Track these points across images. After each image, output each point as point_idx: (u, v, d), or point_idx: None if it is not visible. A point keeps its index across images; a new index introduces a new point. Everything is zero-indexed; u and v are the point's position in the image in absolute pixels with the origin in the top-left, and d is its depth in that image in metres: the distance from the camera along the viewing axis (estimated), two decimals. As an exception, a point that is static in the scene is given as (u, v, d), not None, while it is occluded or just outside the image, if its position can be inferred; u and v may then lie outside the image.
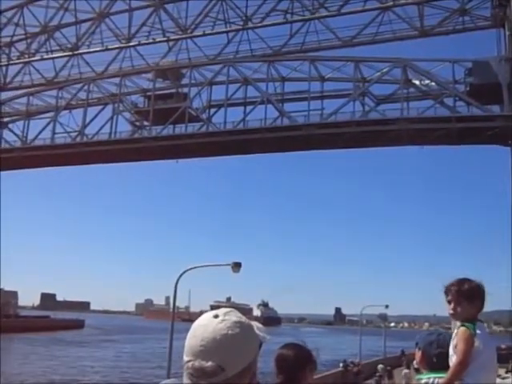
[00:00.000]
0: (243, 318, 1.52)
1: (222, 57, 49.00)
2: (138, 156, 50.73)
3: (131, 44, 51.42)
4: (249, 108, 47.08)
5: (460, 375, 2.84)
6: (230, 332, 1.43)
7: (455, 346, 2.91)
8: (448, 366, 2.94)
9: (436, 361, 3.04)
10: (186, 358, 1.45)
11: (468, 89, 40.67)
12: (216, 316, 1.48)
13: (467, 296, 2.99)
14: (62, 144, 50.53)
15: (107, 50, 52.45)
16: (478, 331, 2.90)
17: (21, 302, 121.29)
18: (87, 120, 51.04)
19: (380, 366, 30.33)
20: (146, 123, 49.85)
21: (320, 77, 45.93)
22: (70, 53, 53.36)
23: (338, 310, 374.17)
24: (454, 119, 38.84)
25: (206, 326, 1.45)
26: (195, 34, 49.78)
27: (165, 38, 50.58)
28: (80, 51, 53.29)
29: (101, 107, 51.95)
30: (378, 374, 29.12)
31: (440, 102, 40.98)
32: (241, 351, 1.44)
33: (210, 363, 1.40)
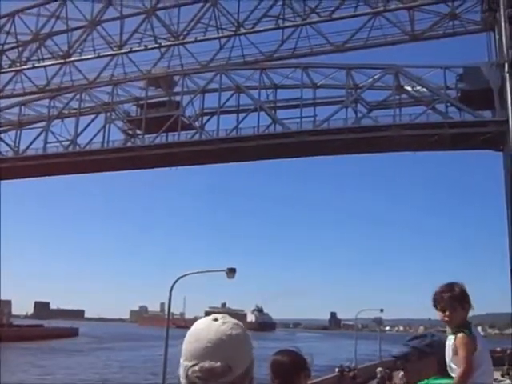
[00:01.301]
0: (239, 322, 1.55)
1: (215, 63, 49.06)
2: (131, 165, 50.60)
3: (123, 51, 51.36)
4: (241, 115, 47.13)
5: (467, 381, 2.80)
6: (233, 332, 1.46)
7: (455, 353, 2.88)
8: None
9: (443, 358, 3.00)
10: (188, 363, 1.44)
11: (459, 94, 40.86)
12: (215, 319, 1.51)
13: (460, 300, 2.98)
14: (54, 153, 50.29)
15: (99, 57, 52.36)
16: (475, 334, 2.89)
17: (14, 311, 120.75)
18: (79, 129, 50.81)
19: (379, 369, 30.68)
20: (138, 132, 49.75)
21: (312, 84, 46.00)
22: (62, 60, 53.21)
23: (333, 314, 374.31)
24: (446, 125, 38.99)
25: (208, 329, 1.47)
26: (187, 40, 49.79)
27: (157, 45, 50.57)
28: (72, 59, 53.15)
29: (93, 116, 51.86)
30: (379, 376, 29.53)
31: (432, 107, 41.19)
32: (244, 351, 1.47)
33: (219, 363, 1.41)
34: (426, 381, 3.02)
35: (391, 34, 44.45)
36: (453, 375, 2.89)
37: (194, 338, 1.46)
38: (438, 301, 3.01)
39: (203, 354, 1.42)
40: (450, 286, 3.00)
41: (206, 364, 1.41)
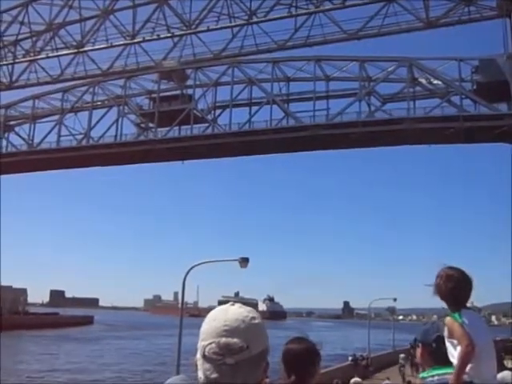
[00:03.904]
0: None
1: (227, 52, 48.91)
2: (143, 158, 50.97)
3: (136, 40, 51.42)
4: (254, 109, 47.23)
5: (470, 359, 2.76)
6: (250, 315, 1.51)
7: (449, 337, 2.86)
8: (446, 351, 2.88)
9: (436, 346, 2.97)
10: (205, 342, 1.47)
11: (475, 87, 40.44)
12: (233, 304, 1.56)
13: (457, 285, 2.95)
14: (67, 147, 50.83)
15: (112, 46, 52.44)
16: (464, 319, 2.84)
17: (30, 299, 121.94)
18: (93, 122, 51.35)
19: (402, 356, 31.54)
20: (151, 125, 50.00)
21: (325, 76, 45.82)
22: (75, 50, 53.40)
23: (346, 303, 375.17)
24: (461, 118, 38.65)
25: (226, 312, 1.51)
26: (200, 29, 49.65)
27: (169, 34, 50.50)
28: (85, 48, 53.33)
29: (106, 109, 52.23)
30: (402, 363, 30.48)
31: (447, 100, 40.80)
32: (261, 332, 1.51)
33: (235, 340, 1.44)
34: (423, 373, 3.02)
35: (405, 21, 43.90)
36: (452, 360, 2.86)
37: (212, 319, 1.50)
38: (437, 289, 3.00)
39: (220, 332, 1.46)
40: (448, 272, 2.98)
41: (223, 339, 1.44)
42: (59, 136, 51.70)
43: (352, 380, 17.86)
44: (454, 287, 2.91)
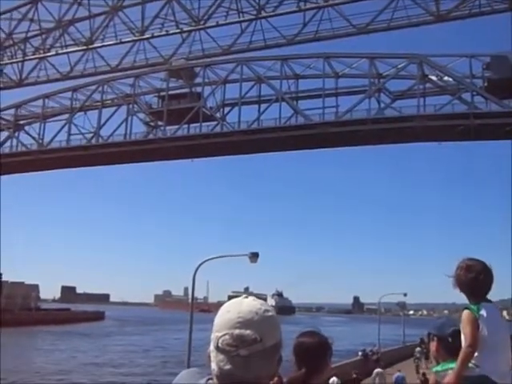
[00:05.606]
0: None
1: (236, 47, 48.85)
2: (153, 156, 51.26)
3: (145, 37, 51.45)
4: (263, 106, 47.33)
5: (470, 358, 2.74)
6: (263, 308, 1.52)
7: (463, 329, 2.84)
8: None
9: (452, 340, 2.96)
10: (219, 334, 1.48)
11: (486, 84, 40.15)
12: (246, 297, 1.57)
13: (476, 278, 2.92)
14: (77, 146, 51.18)
15: (121, 43, 52.47)
16: (482, 312, 2.81)
17: (42, 295, 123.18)
18: (102, 121, 51.68)
19: (418, 349, 32.29)
20: (160, 123, 50.17)
21: (334, 73, 45.68)
22: (85, 47, 53.52)
23: (356, 298, 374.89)
24: (472, 115, 38.39)
25: (239, 304, 1.53)
26: (208, 24, 49.59)
27: (178, 30, 50.48)
28: (94, 45, 53.42)
29: (115, 108, 52.44)
30: (418, 356, 31.04)
31: (458, 97, 40.55)
32: (274, 325, 1.52)
33: (249, 331, 1.45)
34: (437, 366, 3.00)
35: (415, 14, 43.52)
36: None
37: (226, 311, 1.52)
38: (457, 280, 2.96)
39: (233, 324, 1.47)
40: (469, 263, 2.95)
41: (236, 331, 1.45)
42: (69, 135, 52.17)
43: (375, 370, 18.59)
44: (475, 278, 2.88)
